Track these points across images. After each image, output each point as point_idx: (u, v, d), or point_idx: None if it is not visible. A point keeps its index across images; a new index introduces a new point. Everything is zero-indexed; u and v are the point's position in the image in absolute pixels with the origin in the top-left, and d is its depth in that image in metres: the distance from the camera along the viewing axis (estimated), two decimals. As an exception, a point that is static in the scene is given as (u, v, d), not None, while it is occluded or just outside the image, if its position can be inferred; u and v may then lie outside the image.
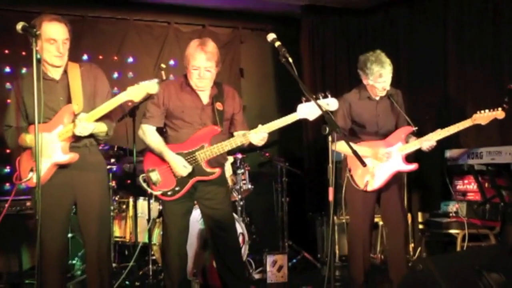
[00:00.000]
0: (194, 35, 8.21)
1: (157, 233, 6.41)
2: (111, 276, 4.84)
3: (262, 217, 7.88)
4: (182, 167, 4.69)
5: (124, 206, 6.72)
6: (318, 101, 4.26)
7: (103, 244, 4.53)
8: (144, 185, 4.84)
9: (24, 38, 3.95)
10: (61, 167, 4.32)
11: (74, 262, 6.74)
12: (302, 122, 7.92)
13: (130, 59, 7.85)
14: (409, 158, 5.44)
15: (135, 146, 6.21)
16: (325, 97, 4.40)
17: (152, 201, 6.59)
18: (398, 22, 7.95)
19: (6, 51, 7.24)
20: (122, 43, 7.81)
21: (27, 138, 4.29)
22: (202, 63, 4.74)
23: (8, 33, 6.78)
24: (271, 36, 4.21)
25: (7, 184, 7.09)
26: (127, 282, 6.12)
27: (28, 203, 6.48)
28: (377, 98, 5.45)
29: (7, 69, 7.21)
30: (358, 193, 5.38)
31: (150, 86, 4.27)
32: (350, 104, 5.46)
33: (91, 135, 4.38)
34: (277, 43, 4.15)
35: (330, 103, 4.40)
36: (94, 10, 7.45)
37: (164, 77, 6.34)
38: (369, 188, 5.33)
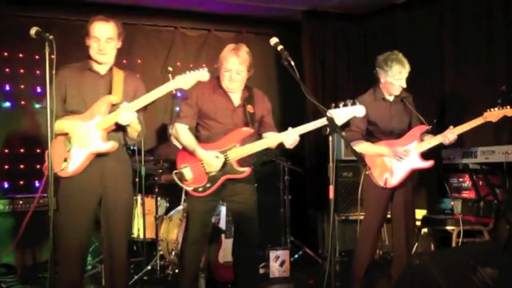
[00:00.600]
0: (199, 39, 8.26)
1: (164, 229, 6.43)
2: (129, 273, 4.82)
3: (265, 214, 7.83)
4: (214, 158, 4.70)
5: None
6: (347, 108, 4.41)
7: (126, 243, 4.45)
8: (177, 180, 4.82)
9: (38, 42, 3.94)
10: (97, 156, 4.26)
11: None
12: (303, 123, 7.99)
13: (138, 62, 7.87)
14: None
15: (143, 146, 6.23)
16: (353, 104, 4.46)
17: (159, 199, 6.62)
18: (395, 26, 7.97)
19: (21, 55, 7.27)
20: (131, 46, 7.81)
21: (64, 124, 4.22)
22: (234, 66, 4.78)
23: (22, 37, 6.86)
24: (273, 40, 4.23)
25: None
26: (135, 276, 6.14)
27: (42, 200, 6.46)
28: (391, 99, 5.47)
29: (21, 71, 7.25)
30: (374, 190, 5.38)
31: (201, 75, 4.35)
32: (366, 106, 5.46)
33: (124, 132, 4.38)
34: (280, 47, 4.18)
35: (359, 110, 4.50)
36: (105, 15, 7.44)
37: (171, 79, 6.34)
38: (388, 185, 5.33)
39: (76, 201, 4.17)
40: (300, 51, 8.19)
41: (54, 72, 4.01)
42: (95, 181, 4.25)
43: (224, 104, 4.81)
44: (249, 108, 4.91)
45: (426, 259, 3.73)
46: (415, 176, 5.53)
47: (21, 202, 6.61)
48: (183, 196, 6.51)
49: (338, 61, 8.36)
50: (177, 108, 5.99)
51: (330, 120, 3.99)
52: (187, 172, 4.78)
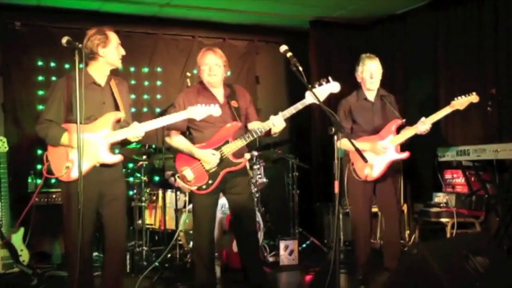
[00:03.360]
0: (215, 47, 8.23)
1: (183, 220, 6.44)
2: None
3: (275, 207, 7.89)
4: (211, 156, 4.71)
5: (154, 198, 6.77)
6: (324, 86, 4.53)
7: (125, 231, 4.50)
8: (181, 182, 4.81)
9: (68, 50, 3.93)
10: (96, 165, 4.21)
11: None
12: (310, 123, 8.01)
13: (159, 69, 7.89)
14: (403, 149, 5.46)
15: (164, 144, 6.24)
16: (328, 82, 4.54)
17: (178, 193, 6.64)
18: (394, 35, 7.96)
19: (53, 64, 7.31)
20: (152, 55, 7.85)
21: (65, 137, 4.15)
22: (212, 60, 4.83)
23: (53, 46, 6.91)
24: (283, 48, 4.22)
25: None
26: (157, 264, 6.16)
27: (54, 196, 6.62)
28: (373, 99, 5.47)
29: (54, 78, 7.28)
30: (358, 184, 5.37)
31: (213, 110, 4.39)
32: (350, 106, 5.49)
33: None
34: (289, 54, 4.16)
35: (333, 87, 4.59)
36: (128, 26, 7.48)
37: (189, 84, 6.38)
38: (369, 178, 5.33)
39: (78, 200, 4.14)
40: (308, 57, 8.18)
41: (60, 79, 4.19)
42: (94, 184, 4.18)
43: (211, 104, 4.60)
44: (233, 103, 4.92)
45: (423, 248, 3.73)
46: (396, 169, 5.51)
47: (53, 196, 6.65)
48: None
49: (342, 66, 8.34)
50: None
51: (336, 122, 3.97)
52: (188, 173, 4.77)
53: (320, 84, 4.54)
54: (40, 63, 7.26)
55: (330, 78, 4.57)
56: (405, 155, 5.37)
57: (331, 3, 7.43)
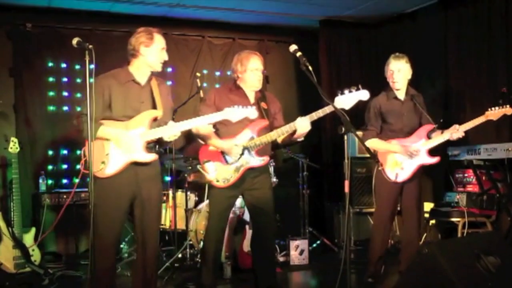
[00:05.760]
0: (225, 47, 8.27)
1: (193, 220, 6.45)
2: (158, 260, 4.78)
3: (286, 206, 7.86)
4: (234, 146, 4.71)
5: (165, 198, 6.78)
6: (353, 93, 4.46)
7: (158, 235, 4.43)
8: (202, 171, 4.82)
9: (79, 51, 3.93)
10: (132, 163, 4.17)
11: (122, 246, 6.82)
12: (320, 123, 8.00)
13: (169, 69, 7.89)
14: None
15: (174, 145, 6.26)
16: (358, 89, 4.50)
17: (189, 193, 6.65)
18: (403, 34, 7.94)
19: (64, 65, 7.34)
20: (162, 55, 7.87)
21: (109, 132, 4.14)
22: (260, 65, 4.90)
23: (64, 47, 6.94)
24: (293, 47, 4.22)
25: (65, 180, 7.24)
26: (167, 264, 6.17)
27: (83, 194, 6.58)
28: (402, 99, 5.46)
29: (64, 79, 7.32)
30: (386, 185, 5.36)
31: (249, 112, 4.29)
32: (380, 105, 5.47)
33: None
34: (298, 53, 4.16)
35: (363, 94, 4.53)
36: (138, 26, 7.47)
37: (199, 84, 6.39)
38: (399, 180, 5.32)
39: (111, 201, 4.10)
40: (317, 57, 8.17)
41: (93, 78, 4.01)
42: (129, 183, 4.17)
43: (241, 102, 4.64)
44: (263, 105, 4.93)
45: (434, 248, 3.71)
46: (421, 171, 5.50)
47: (64, 196, 6.69)
48: (207, 191, 6.49)
49: (352, 65, 8.35)
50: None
51: (346, 121, 3.97)
52: (210, 166, 4.78)
53: (350, 91, 4.50)
54: (50, 64, 7.29)
55: (360, 86, 4.52)
56: (435, 159, 5.37)
57: (341, 2, 7.41)
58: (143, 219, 4.28)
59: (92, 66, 3.83)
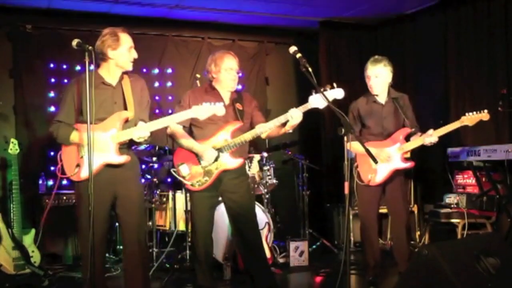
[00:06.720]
0: (225, 48, 8.18)
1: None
2: (149, 259, 4.76)
3: (285, 208, 7.89)
4: (208, 151, 4.71)
5: (165, 199, 6.77)
6: (327, 92, 4.38)
7: (142, 232, 4.45)
8: (177, 176, 4.83)
9: (79, 52, 3.93)
10: (107, 165, 4.20)
11: (121, 247, 6.80)
12: (320, 124, 8.00)
13: (169, 70, 7.90)
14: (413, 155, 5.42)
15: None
16: (332, 88, 4.47)
17: (188, 194, 6.64)
18: (403, 35, 7.96)
19: (64, 66, 7.34)
20: (162, 56, 7.87)
21: (74, 135, 4.19)
22: (235, 65, 4.90)
23: (64, 49, 6.93)
24: (292, 49, 4.21)
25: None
26: (167, 265, 6.15)
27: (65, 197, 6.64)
28: (383, 102, 5.43)
29: (64, 80, 7.30)
30: (366, 188, 5.37)
31: (217, 109, 4.25)
32: (358, 109, 5.45)
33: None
34: (298, 55, 4.15)
35: (337, 93, 4.50)
36: (138, 28, 7.50)
37: (199, 85, 6.38)
38: (372, 183, 5.31)
39: (89, 201, 4.13)
40: (317, 58, 8.17)
41: (71, 82, 4.18)
42: (107, 184, 4.19)
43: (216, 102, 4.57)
44: (238, 106, 4.94)
45: (433, 249, 3.71)
46: (401, 174, 5.46)
47: (64, 197, 6.68)
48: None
49: (352, 67, 8.33)
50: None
51: (345, 123, 3.96)
52: (184, 169, 4.79)
53: (325, 90, 4.47)
54: (51, 65, 7.28)
55: (334, 85, 4.51)
56: (409, 164, 5.33)
57: (341, 3, 7.41)
58: (125, 219, 4.34)
59: (92, 67, 3.84)
